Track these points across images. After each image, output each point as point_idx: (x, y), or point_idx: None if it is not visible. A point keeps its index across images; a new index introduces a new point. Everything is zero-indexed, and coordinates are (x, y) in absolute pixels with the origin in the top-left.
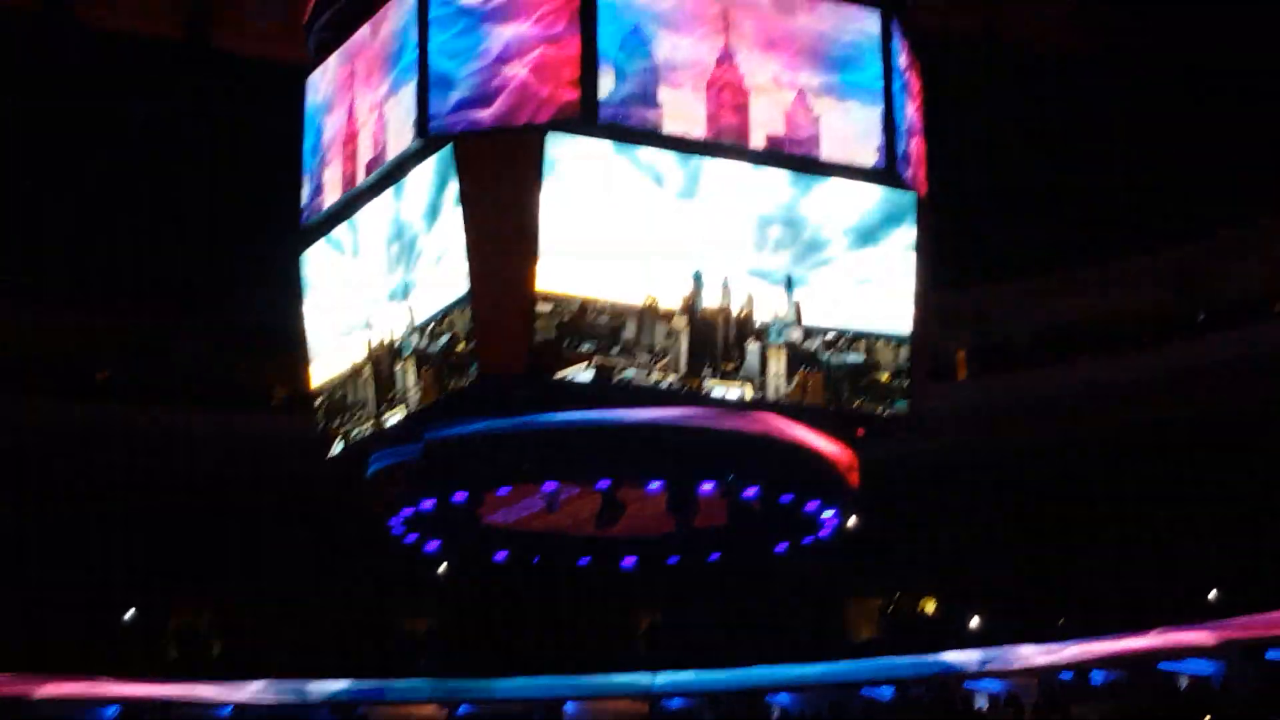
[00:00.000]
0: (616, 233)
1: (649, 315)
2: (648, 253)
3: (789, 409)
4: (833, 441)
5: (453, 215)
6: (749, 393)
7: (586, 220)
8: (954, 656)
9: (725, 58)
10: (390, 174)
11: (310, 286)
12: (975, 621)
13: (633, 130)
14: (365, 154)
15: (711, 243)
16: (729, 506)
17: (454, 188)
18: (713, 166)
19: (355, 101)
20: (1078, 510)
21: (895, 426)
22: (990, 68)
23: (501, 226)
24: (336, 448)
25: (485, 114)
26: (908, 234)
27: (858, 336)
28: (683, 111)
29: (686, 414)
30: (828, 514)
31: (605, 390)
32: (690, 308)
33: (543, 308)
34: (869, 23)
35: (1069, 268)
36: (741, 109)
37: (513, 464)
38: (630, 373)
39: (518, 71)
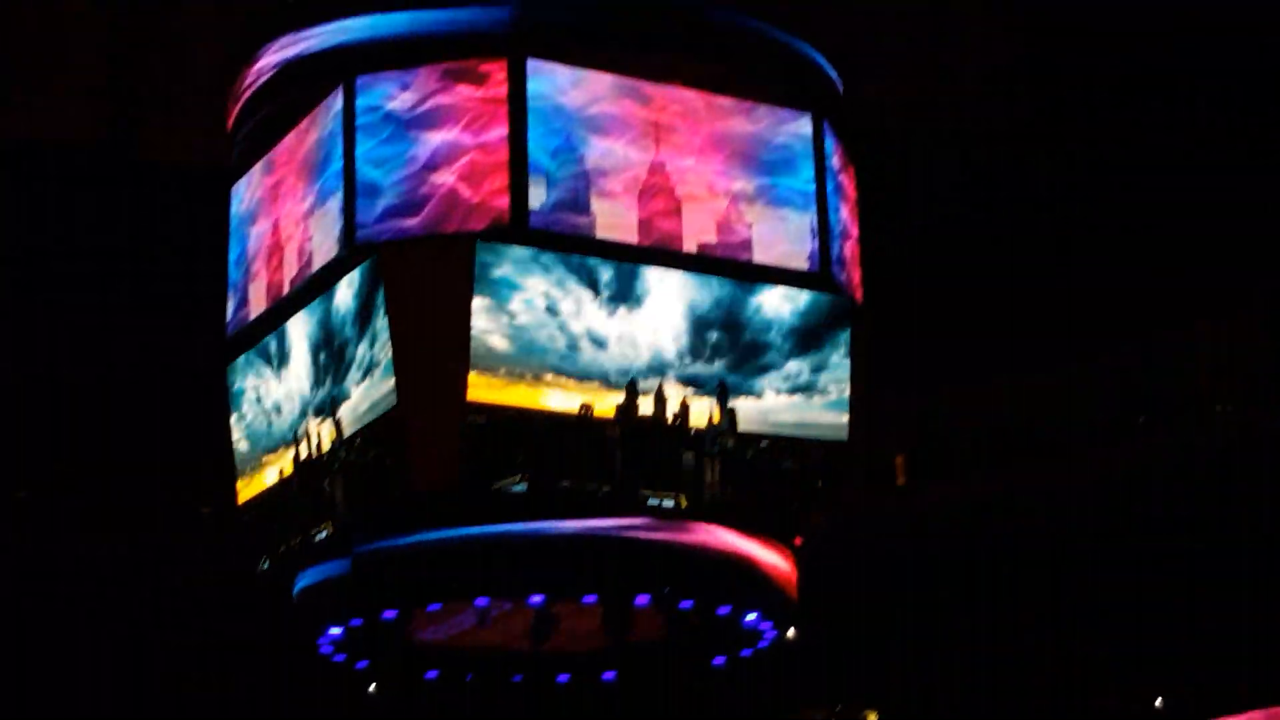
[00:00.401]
0: (549, 340)
1: (584, 424)
2: (582, 360)
3: (725, 518)
4: (771, 550)
5: (380, 326)
6: (684, 502)
7: (519, 328)
8: None
9: (657, 165)
10: (317, 284)
11: (236, 399)
12: None
13: (564, 237)
14: (291, 265)
15: (646, 348)
16: (666, 620)
17: (381, 298)
18: (647, 273)
19: (281, 212)
20: (1022, 616)
21: (832, 533)
22: (927, 156)
23: (431, 336)
24: (264, 564)
25: (413, 222)
26: (845, 339)
27: (794, 442)
28: (615, 218)
29: (621, 525)
30: (766, 625)
31: (539, 501)
32: (624, 417)
33: (475, 418)
34: (801, 125)
35: (1011, 373)
36: (674, 215)
37: (444, 579)
38: (565, 483)
39: (446, 179)
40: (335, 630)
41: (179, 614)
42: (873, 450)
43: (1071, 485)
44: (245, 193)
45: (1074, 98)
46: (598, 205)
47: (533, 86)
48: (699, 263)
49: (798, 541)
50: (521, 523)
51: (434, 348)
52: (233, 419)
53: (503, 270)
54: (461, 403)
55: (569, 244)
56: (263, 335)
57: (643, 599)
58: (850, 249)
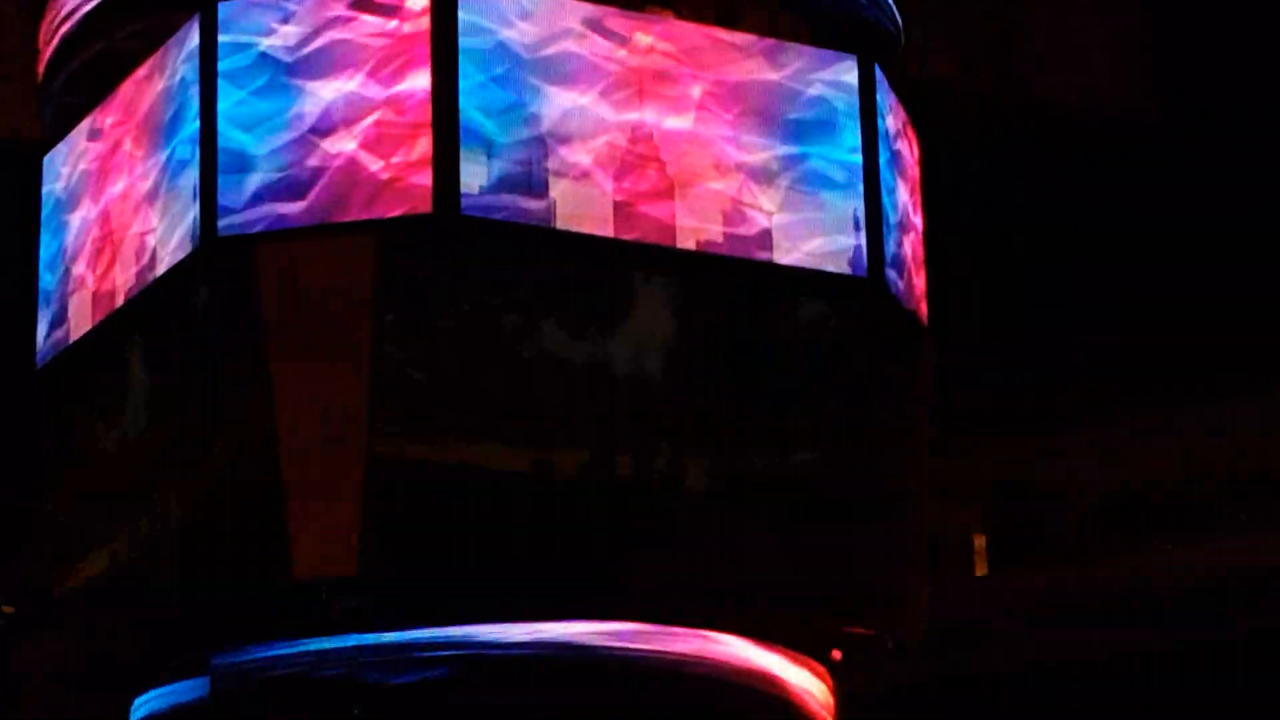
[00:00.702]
0: (492, 368)
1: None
2: (537, 397)
3: (737, 622)
4: (799, 667)
5: (251, 354)
6: None
7: (444, 353)
8: None
9: (641, 129)
10: (163, 293)
11: (55, 452)
12: None
13: (510, 228)
14: (127, 266)
15: (625, 383)
16: None
17: (253, 314)
18: (626, 277)
19: (112, 194)
20: None
21: (883, 646)
22: (1009, 138)
23: (322, 369)
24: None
25: (297, 208)
26: (896, 372)
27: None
28: (581, 202)
29: (594, 633)
30: None
31: (473, 596)
32: (593, 476)
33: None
34: (843, 72)
35: (1132, 416)
36: (664, 198)
37: (334, 705)
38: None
39: (343, 146)
40: None
41: None
42: (941, 526)
43: (1213, 573)
44: (62, 168)
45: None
46: (558, 184)
47: (466, 17)
48: (698, 264)
49: (836, 655)
50: (447, 627)
51: (325, 385)
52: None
53: (423, 273)
54: (361, 459)
55: (516, 238)
56: (88, 365)
57: None
58: (911, 246)
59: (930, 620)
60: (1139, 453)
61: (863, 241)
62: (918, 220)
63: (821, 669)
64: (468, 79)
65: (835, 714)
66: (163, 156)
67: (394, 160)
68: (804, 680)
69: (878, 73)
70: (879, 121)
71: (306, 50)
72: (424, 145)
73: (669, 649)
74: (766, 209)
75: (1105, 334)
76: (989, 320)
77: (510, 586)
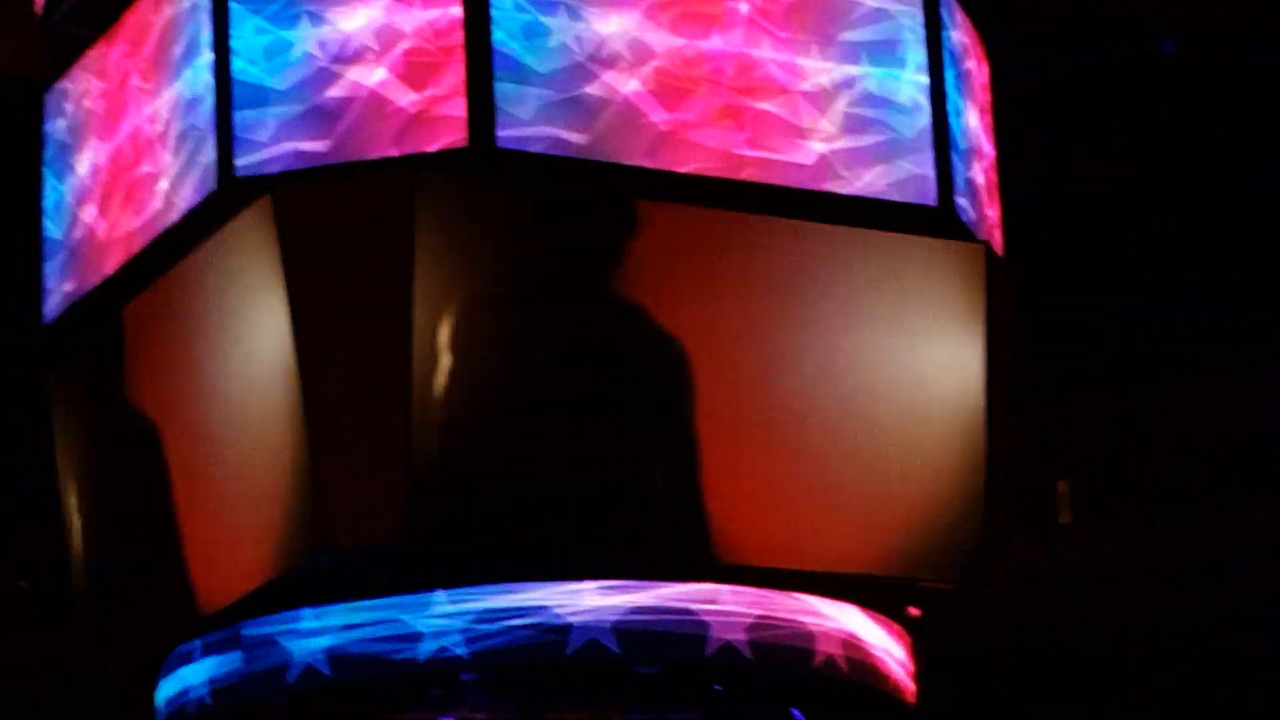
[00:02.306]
0: (535, 312)
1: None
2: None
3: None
4: (876, 625)
5: (276, 305)
6: None
7: (487, 299)
8: None
9: (687, 49)
10: (179, 239)
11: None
12: None
13: (554, 162)
14: (139, 211)
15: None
16: None
17: (275, 261)
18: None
19: (120, 134)
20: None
21: (964, 602)
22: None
23: (352, 319)
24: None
25: (321, 145)
26: (970, 309)
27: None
28: (625, 131)
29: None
30: None
31: (529, 563)
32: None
33: (424, 440)
34: None
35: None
36: (716, 126)
37: (383, 677)
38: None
39: (369, 78)
40: None
41: None
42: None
43: None
44: (66, 106)
45: None
46: (603, 114)
47: None
48: (752, 196)
49: (914, 612)
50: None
51: (357, 336)
52: (58, 448)
53: (461, 212)
54: (400, 417)
55: (562, 172)
56: (98, 320)
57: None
58: (984, 173)
59: (1012, 576)
60: (1246, 401)
61: (930, 168)
62: (989, 146)
63: (899, 627)
64: (502, 3)
65: (914, 675)
66: (174, 91)
67: (423, 92)
68: (883, 640)
69: None
70: (944, 37)
71: None
72: (455, 75)
73: (747, 609)
74: (825, 135)
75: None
76: (1077, 259)
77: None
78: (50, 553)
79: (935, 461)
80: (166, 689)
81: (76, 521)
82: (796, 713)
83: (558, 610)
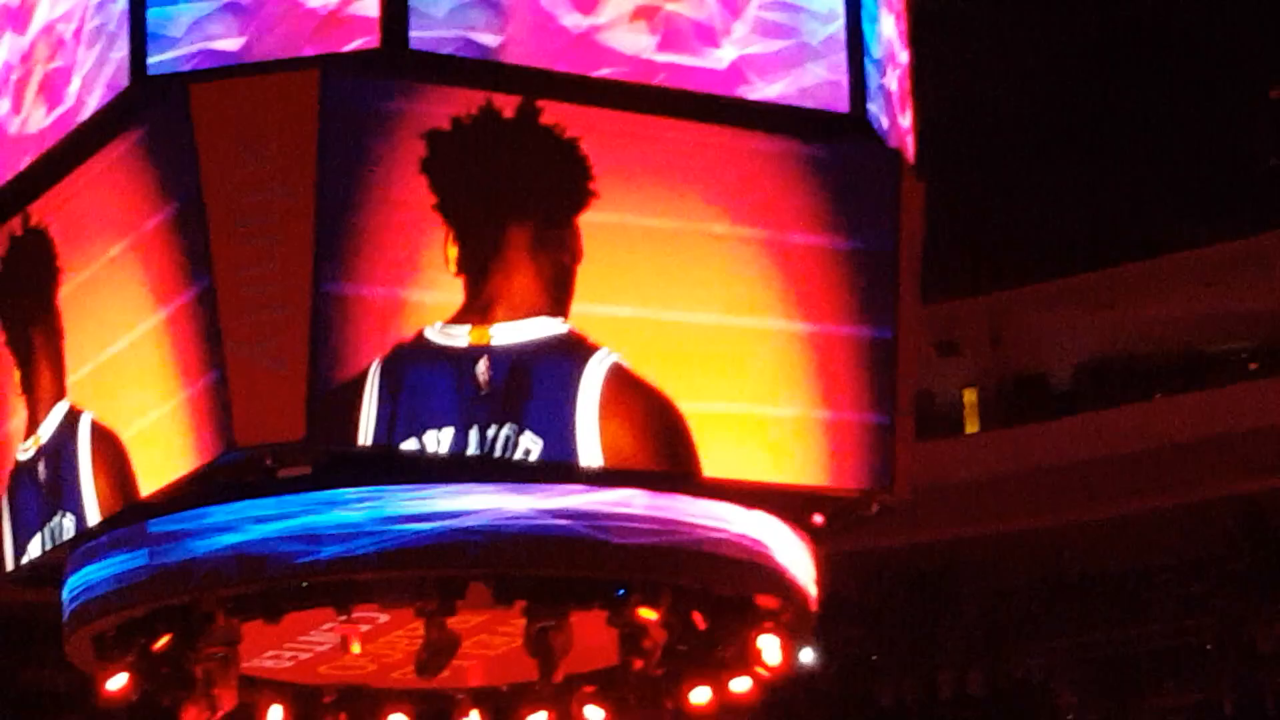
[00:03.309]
0: (448, 197)
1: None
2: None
3: (708, 486)
4: (783, 531)
5: (189, 202)
6: None
7: (390, 186)
8: None
9: None
10: (91, 136)
11: None
12: None
13: (465, 65)
14: (52, 107)
15: None
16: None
17: (188, 159)
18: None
19: (34, 26)
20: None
21: (866, 509)
22: None
23: (262, 211)
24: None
25: (233, 44)
26: (880, 215)
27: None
28: (538, 34)
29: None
30: (770, 646)
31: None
32: None
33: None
34: None
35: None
36: (629, 29)
37: (288, 578)
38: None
39: None
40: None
41: None
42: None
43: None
44: None
45: None
46: (515, 15)
47: None
48: (661, 101)
49: (818, 519)
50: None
51: (267, 227)
52: None
53: (366, 109)
54: (308, 306)
55: (472, 75)
56: (10, 215)
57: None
58: (898, 80)
59: (915, 482)
60: (1139, 299)
61: (844, 74)
62: (904, 54)
63: (803, 534)
64: None
65: (819, 582)
66: None
67: None
68: (789, 547)
69: None
70: None
71: None
72: None
73: (658, 519)
74: (738, 40)
75: (1102, 173)
76: (976, 160)
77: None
78: None
79: (842, 368)
80: (73, 583)
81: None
82: None
83: (464, 512)
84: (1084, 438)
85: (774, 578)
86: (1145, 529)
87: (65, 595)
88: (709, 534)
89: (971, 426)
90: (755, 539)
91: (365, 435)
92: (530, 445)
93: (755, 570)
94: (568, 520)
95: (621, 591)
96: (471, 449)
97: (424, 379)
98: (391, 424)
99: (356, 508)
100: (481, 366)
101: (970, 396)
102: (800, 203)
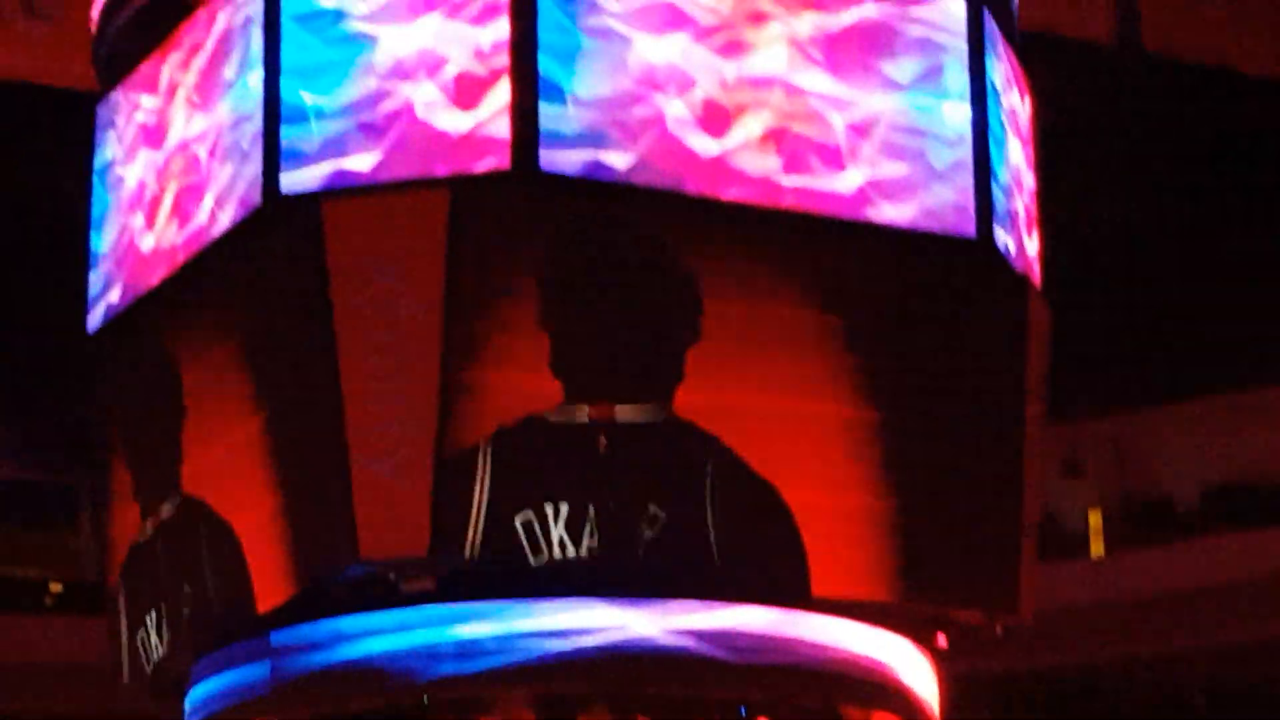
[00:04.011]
0: (567, 322)
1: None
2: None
3: (831, 604)
4: (905, 652)
5: (318, 317)
6: None
7: (520, 305)
8: None
9: (732, 74)
10: (223, 253)
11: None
12: None
13: (595, 185)
14: (183, 225)
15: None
16: None
17: (318, 275)
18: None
19: (170, 144)
20: None
21: (991, 632)
22: (1133, 92)
23: (390, 329)
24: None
25: (366, 163)
26: (1007, 339)
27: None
28: (667, 156)
29: (698, 622)
30: None
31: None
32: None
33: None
34: (949, 13)
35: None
36: (759, 152)
37: (408, 694)
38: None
39: (415, 97)
40: None
41: None
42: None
43: None
44: (117, 118)
45: None
46: (645, 138)
47: None
48: (795, 223)
49: (942, 641)
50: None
51: (392, 345)
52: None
53: (495, 226)
54: (433, 423)
55: (604, 195)
56: (141, 329)
57: None
58: (1025, 207)
59: (1039, 605)
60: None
61: (970, 199)
62: (1031, 178)
63: (927, 654)
64: (548, 26)
65: (941, 703)
66: (223, 107)
67: (469, 112)
68: (912, 667)
69: (986, 15)
70: (988, 68)
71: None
72: (501, 97)
73: (781, 638)
74: (865, 163)
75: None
76: (1101, 281)
77: (600, 562)
78: (88, 550)
79: (967, 490)
80: (195, 694)
81: (115, 524)
82: None
83: (584, 629)
84: (1210, 562)
85: (898, 697)
86: (1273, 655)
87: (188, 706)
88: (832, 653)
89: (1096, 549)
90: (878, 658)
91: (479, 516)
92: (648, 527)
93: (879, 690)
94: (689, 639)
95: (744, 710)
96: (587, 530)
97: (540, 454)
98: (506, 499)
99: (477, 623)
100: (601, 441)
101: (1095, 519)
102: (927, 325)
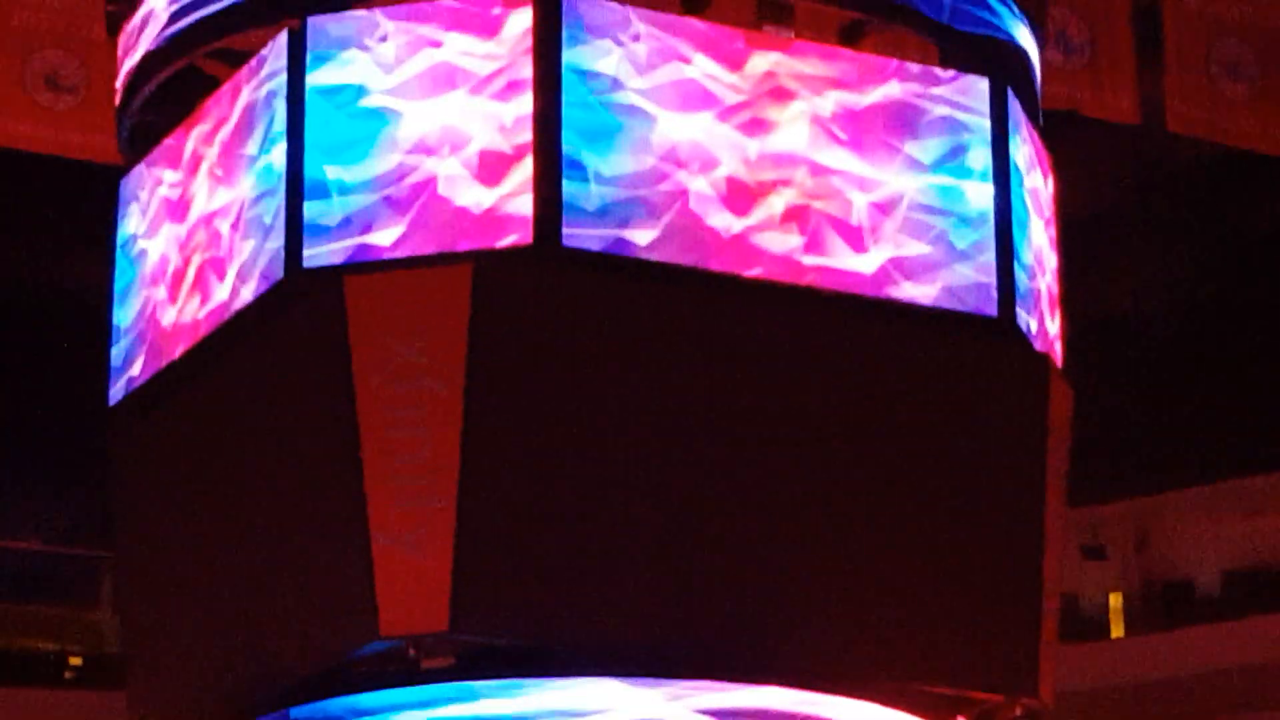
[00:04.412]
0: (594, 387)
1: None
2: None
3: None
4: None
5: (339, 391)
6: None
7: (542, 379)
8: None
9: (754, 152)
10: (244, 328)
11: (126, 498)
12: None
13: (615, 263)
14: (205, 299)
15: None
16: None
17: (339, 350)
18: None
19: (193, 217)
20: None
21: (1011, 711)
22: (1150, 174)
23: (411, 404)
24: None
25: (388, 238)
26: (1027, 419)
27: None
28: (689, 233)
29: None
30: None
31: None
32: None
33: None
34: (973, 94)
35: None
36: (781, 230)
37: None
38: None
39: (438, 172)
40: None
41: None
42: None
43: None
44: (140, 192)
45: None
46: (668, 215)
47: (571, 36)
48: (814, 302)
49: None
50: (544, 683)
51: (413, 419)
52: (119, 525)
53: (519, 301)
54: (459, 506)
55: (626, 273)
56: (161, 404)
57: None
58: (1047, 287)
59: (1059, 687)
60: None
61: (992, 278)
62: (1054, 258)
63: None
64: (572, 104)
65: None
66: (247, 180)
67: (491, 188)
68: None
69: (1010, 95)
70: (1011, 149)
71: (402, 69)
72: (523, 173)
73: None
74: (887, 242)
75: (1250, 379)
76: (1121, 364)
77: (628, 640)
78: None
79: (987, 571)
80: None
81: (131, 599)
82: None
83: (606, 709)
84: (1232, 645)
85: None
86: None
87: None
88: None
89: (1117, 631)
90: None
91: None
92: None
93: None
94: (710, 719)
95: None
96: None
97: None
98: None
99: (499, 700)
100: None
101: (1115, 601)
102: (944, 404)
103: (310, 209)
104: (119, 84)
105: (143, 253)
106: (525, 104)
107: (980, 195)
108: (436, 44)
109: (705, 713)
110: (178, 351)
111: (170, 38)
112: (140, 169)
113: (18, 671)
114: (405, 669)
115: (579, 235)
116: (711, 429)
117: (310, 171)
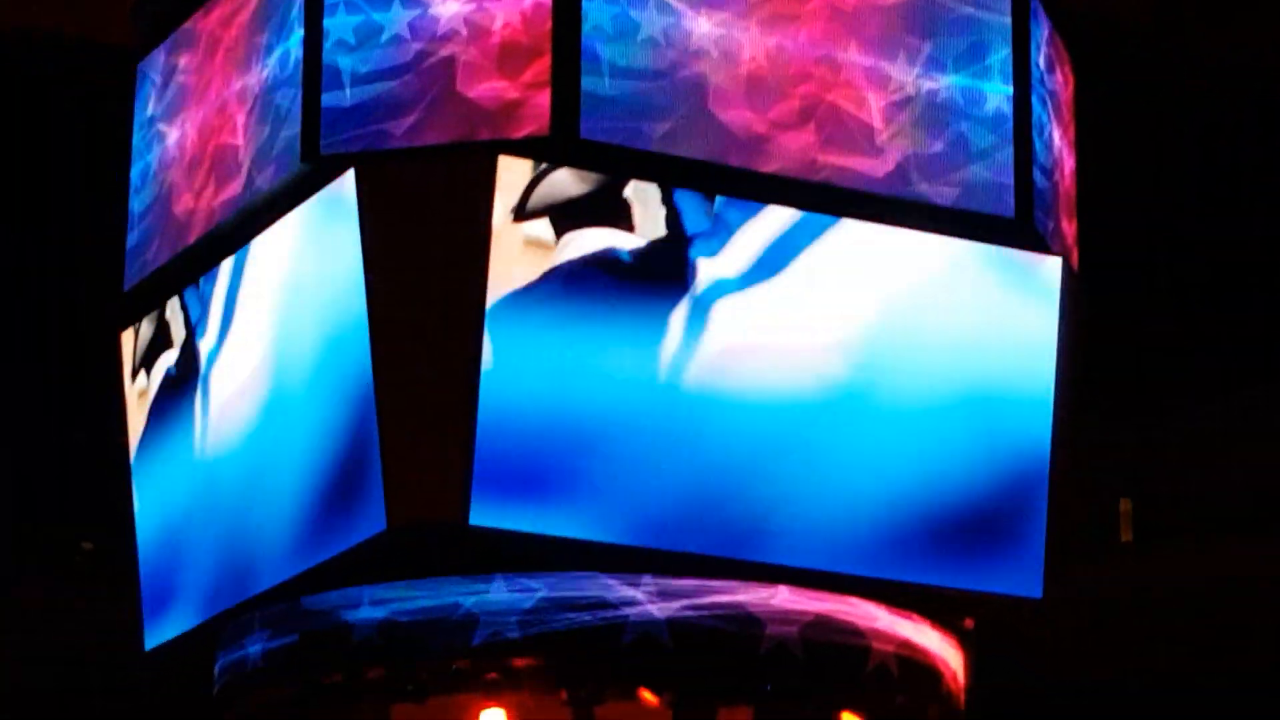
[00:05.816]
0: (603, 294)
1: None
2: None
3: (863, 583)
4: (932, 634)
5: (351, 277)
6: None
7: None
8: None
9: (771, 49)
10: (260, 213)
11: (133, 385)
12: None
13: (631, 154)
14: (222, 185)
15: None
16: None
17: (354, 237)
18: (763, 223)
19: (210, 104)
20: None
21: (1022, 614)
22: (1175, 81)
23: (427, 292)
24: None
25: (404, 126)
26: (1044, 321)
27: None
28: (706, 128)
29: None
30: None
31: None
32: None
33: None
34: None
35: None
36: (797, 128)
37: (437, 661)
38: None
39: (458, 61)
40: None
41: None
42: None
43: None
44: (156, 77)
45: None
46: (684, 107)
47: None
48: (828, 196)
49: (969, 623)
50: (556, 579)
51: (429, 308)
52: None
53: (536, 193)
54: (464, 387)
55: (643, 166)
56: (175, 289)
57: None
58: (1064, 189)
59: (1070, 590)
60: None
61: (1009, 179)
62: (1070, 161)
63: (954, 636)
64: None
65: (966, 687)
66: (264, 67)
67: (510, 79)
68: (942, 649)
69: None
70: (1032, 48)
71: None
72: (543, 63)
73: (802, 606)
74: (904, 140)
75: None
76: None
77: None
78: (114, 513)
79: (998, 474)
80: (224, 660)
81: (141, 486)
82: None
83: (614, 602)
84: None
85: (926, 676)
86: None
87: (216, 672)
88: (860, 632)
89: (1125, 536)
90: (906, 637)
91: None
92: None
93: (906, 668)
94: (719, 614)
95: (768, 688)
96: None
97: None
98: None
99: (510, 594)
100: None
101: (1125, 506)
102: (961, 304)
103: (328, 97)
104: None
105: (159, 137)
106: None
107: (999, 95)
108: None
109: (719, 608)
110: (193, 237)
111: None
112: (156, 55)
113: None
114: (416, 560)
115: (597, 127)
116: (726, 329)
117: (327, 59)
